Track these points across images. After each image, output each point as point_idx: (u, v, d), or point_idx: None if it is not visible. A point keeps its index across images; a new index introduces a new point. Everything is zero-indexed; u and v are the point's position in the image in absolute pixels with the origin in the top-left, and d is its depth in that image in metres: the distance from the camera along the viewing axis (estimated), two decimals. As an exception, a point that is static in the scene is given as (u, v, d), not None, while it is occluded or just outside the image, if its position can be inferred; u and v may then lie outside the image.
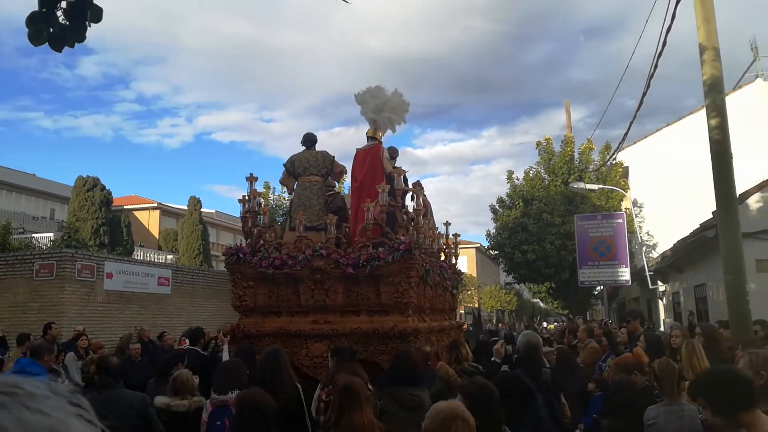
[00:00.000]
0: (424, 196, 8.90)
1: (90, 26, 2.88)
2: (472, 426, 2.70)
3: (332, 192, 9.01)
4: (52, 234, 26.97)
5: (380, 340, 6.95)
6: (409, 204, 8.47)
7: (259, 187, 22.96)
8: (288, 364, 5.27)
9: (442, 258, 9.80)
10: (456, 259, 10.46)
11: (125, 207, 36.13)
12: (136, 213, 38.96)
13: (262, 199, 8.43)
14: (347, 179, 9.05)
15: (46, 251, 16.18)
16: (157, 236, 38.44)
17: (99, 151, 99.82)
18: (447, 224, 10.08)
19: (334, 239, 7.51)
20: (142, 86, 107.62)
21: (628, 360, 5.81)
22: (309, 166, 8.31)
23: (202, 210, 33.23)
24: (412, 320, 7.22)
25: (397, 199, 7.76)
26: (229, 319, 17.08)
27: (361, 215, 7.68)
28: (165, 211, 41.32)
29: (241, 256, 7.60)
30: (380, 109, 8.57)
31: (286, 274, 7.43)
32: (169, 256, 31.36)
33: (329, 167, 8.40)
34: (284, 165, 8.72)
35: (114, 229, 26.91)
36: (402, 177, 8.11)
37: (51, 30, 2.77)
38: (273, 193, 21.94)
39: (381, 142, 8.58)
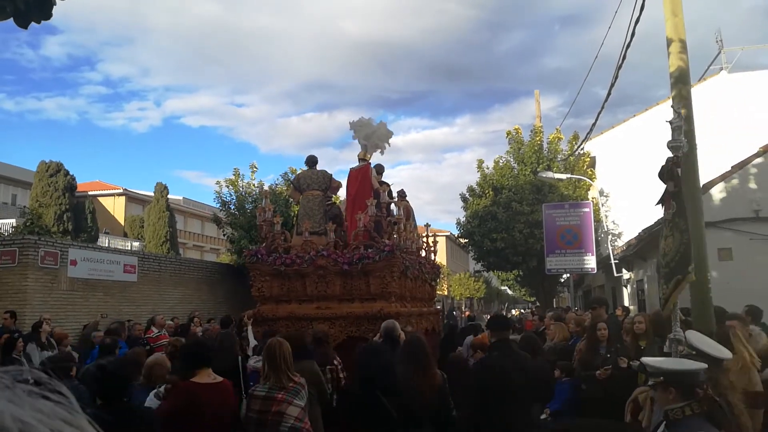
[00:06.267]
0: (407, 202, 11.46)
1: (56, 3, 2.78)
2: None
3: (330, 203, 10.66)
4: (14, 220, 26.33)
5: (369, 321, 8.60)
6: (394, 208, 10.36)
7: (229, 174, 22.12)
8: (237, 343, 6.84)
9: (423, 255, 11.67)
10: (435, 255, 12.30)
11: (90, 193, 35.37)
12: (100, 199, 38.21)
13: (270, 212, 10.14)
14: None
15: (8, 238, 15.77)
16: (122, 223, 37.77)
17: (63, 135, 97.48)
18: (428, 225, 11.99)
19: (333, 242, 9.41)
20: (108, 68, 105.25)
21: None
22: (311, 183, 10.23)
23: (169, 197, 32.70)
24: (394, 306, 8.98)
25: (383, 210, 9.63)
26: (195, 307, 17.01)
27: (353, 223, 9.58)
28: (131, 198, 40.61)
29: (259, 256, 9.49)
30: (369, 136, 10.39)
31: (295, 270, 9.33)
32: (135, 244, 30.87)
33: (328, 183, 10.34)
34: (291, 182, 11.03)
35: (78, 216, 26.30)
36: (386, 192, 10.05)
37: (16, 5, 2.67)
38: (242, 180, 21.66)
39: (369, 163, 10.39)
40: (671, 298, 5.27)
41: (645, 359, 3.65)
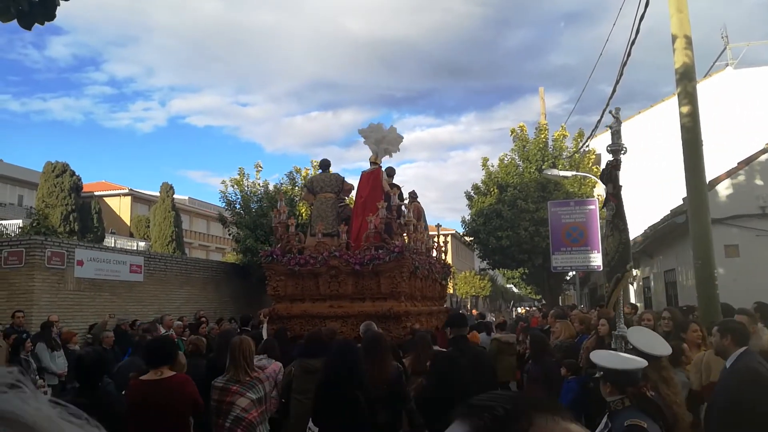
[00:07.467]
0: (418, 202, 11.71)
1: (59, 4, 2.78)
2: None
3: (343, 204, 10.99)
4: (20, 221, 26.41)
5: (380, 319, 8.72)
6: (404, 210, 10.65)
7: (234, 174, 22.45)
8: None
9: (434, 254, 11.99)
10: (445, 255, 12.67)
11: (96, 193, 35.48)
12: (106, 199, 38.31)
13: (284, 214, 10.41)
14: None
15: (14, 238, 15.83)
16: (128, 223, 37.89)
17: (69, 136, 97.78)
18: (438, 226, 12.34)
19: (345, 243, 9.78)
20: (113, 68, 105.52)
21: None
22: (324, 186, 10.58)
23: (174, 196, 32.78)
24: (404, 305, 9.31)
25: (393, 213, 9.98)
26: (201, 306, 17.05)
27: (365, 225, 9.87)
28: (136, 198, 40.71)
29: (275, 257, 9.84)
30: (380, 141, 10.65)
31: (308, 270, 9.67)
32: (141, 243, 30.95)
33: (340, 186, 10.71)
34: (305, 185, 11.62)
35: (84, 216, 26.38)
36: (396, 195, 10.40)
37: (20, 7, 2.67)
38: (247, 179, 21.67)
39: (380, 167, 10.71)
40: (613, 295, 5.43)
41: (592, 354, 3.97)
